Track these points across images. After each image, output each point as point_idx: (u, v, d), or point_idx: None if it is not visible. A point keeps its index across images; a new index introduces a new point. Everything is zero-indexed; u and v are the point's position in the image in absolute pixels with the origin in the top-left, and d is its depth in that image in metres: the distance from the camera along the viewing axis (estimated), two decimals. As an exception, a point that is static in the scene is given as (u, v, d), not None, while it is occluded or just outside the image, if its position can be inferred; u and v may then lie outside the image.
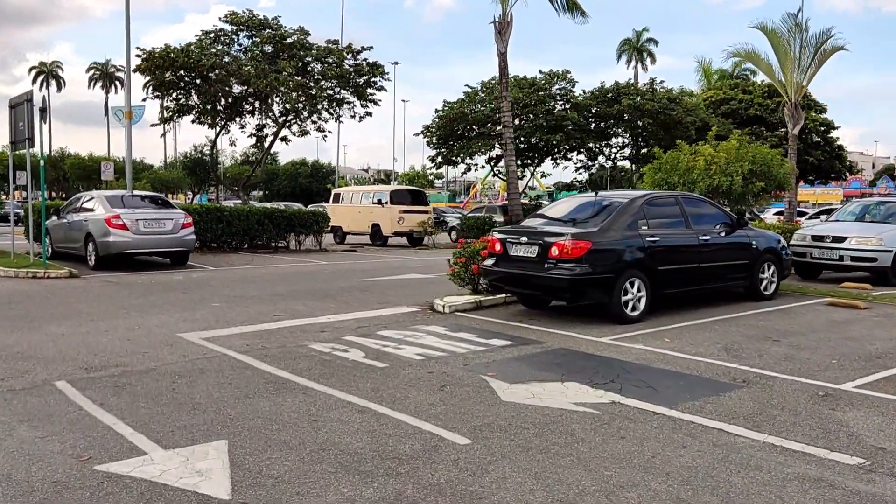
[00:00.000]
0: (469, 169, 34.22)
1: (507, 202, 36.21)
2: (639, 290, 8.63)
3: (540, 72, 29.60)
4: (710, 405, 5.45)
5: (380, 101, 27.05)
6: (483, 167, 37.93)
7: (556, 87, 29.09)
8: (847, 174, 42.00)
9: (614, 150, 34.19)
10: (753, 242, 10.04)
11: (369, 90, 26.02)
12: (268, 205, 43.92)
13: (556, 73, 29.36)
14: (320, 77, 25.09)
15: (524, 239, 8.77)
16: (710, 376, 6.30)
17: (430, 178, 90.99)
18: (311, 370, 6.59)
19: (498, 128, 27.81)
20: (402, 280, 13.99)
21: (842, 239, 12.18)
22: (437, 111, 29.15)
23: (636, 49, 77.16)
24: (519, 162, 31.27)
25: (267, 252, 21.23)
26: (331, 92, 25.81)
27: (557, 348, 7.40)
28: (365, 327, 8.74)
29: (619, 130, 32.03)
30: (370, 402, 5.58)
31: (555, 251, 8.35)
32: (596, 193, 9.43)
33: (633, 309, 8.62)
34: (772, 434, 4.79)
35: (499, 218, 28.88)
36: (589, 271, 8.21)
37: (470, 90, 29.79)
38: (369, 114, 26.79)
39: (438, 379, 6.24)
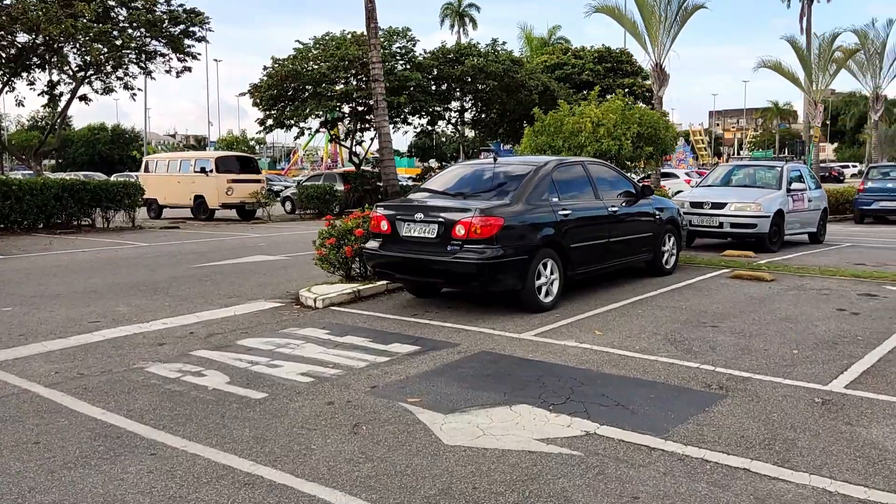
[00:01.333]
0: (302, 133, 31.74)
1: (343, 169, 34.27)
2: (552, 273, 7.47)
3: (379, 28, 27.77)
4: (706, 429, 4.33)
5: (199, 54, 23.96)
6: (319, 132, 35.64)
7: (396, 45, 27.46)
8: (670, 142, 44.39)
9: (454, 114, 33.29)
10: (657, 213, 9.26)
11: (187, 41, 22.85)
12: (65, 175, 38.65)
13: (395, 30, 27.69)
14: (126, 25, 21.57)
15: (419, 216, 7.26)
16: (679, 383, 5.22)
17: (252, 143, 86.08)
18: (157, 410, 4.71)
19: (339, 86, 25.73)
20: (248, 265, 11.94)
21: (721, 205, 11.88)
22: (265, 68, 26.42)
23: (458, 14, 77.34)
24: (358, 125, 29.40)
25: (68, 232, 17.95)
26: (140, 42, 22.33)
27: (478, 352, 6.03)
28: (219, 334, 6.84)
29: (458, 94, 31.11)
30: (258, 462, 3.90)
31: (460, 230, 6.93)
32: (494, 160, 8.10)
33: (547, 294, 7.45)
34: (812, 472, 3.74)
35: (339, 186, 27.01)
36: (501, 253, 6.89)
37: (301, 46, 27.32)
38: (188, 69, 23.66)
39: (345, 413, 4.63)
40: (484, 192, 7.64)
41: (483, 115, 32.17)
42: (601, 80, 37.95)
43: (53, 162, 69.15)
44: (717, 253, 11.78)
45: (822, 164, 47.03)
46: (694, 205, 12.37)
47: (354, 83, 26.14)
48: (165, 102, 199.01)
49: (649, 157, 11.13)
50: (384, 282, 8.56)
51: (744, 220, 11.74)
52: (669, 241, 9.55)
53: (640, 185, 9.29)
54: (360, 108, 28.15)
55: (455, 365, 5.67)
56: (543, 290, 7.39)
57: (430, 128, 33.14)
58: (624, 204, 8.66)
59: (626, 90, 39.27)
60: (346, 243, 8.82)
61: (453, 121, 32.62)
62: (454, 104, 32.17)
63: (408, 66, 26.71)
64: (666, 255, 9.50)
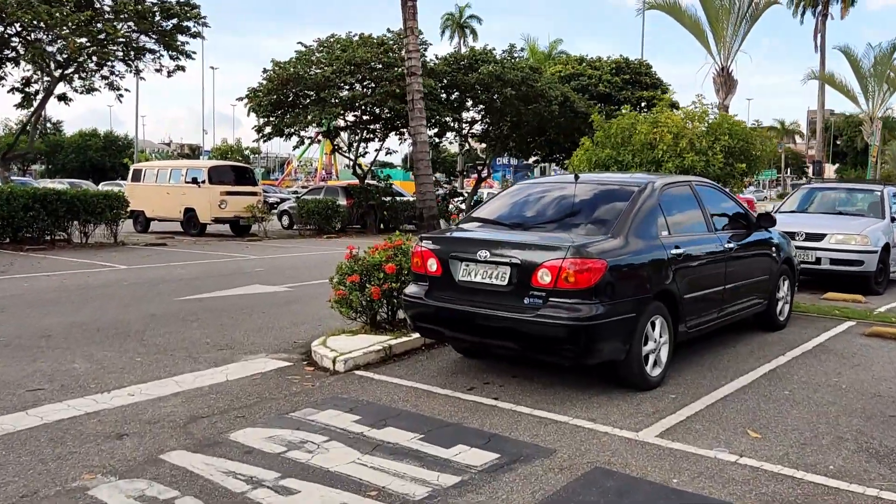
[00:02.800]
0: (302, 142, 29.83)
1: (346, 182, 32.34)
2: (661, 334, 5.54)
3: (388, 30, 25.99)
4: None
5: (194, 53, 22.04)
6: (317, 141, 33.76)
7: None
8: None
9: (465, 125, 31.39)
10: (774, 247, 7.35)
11: (180, 37, 20.97)
12: (49, 182, 36.62)
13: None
14: (112, 16, 19.67)
15: (483, 254, 5.33)
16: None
17: (247, 153, 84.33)
18: None
19: (343, 92, 23.86)
20: (243, 298, 9.99)
21: (818, 237, 9.98)
22: (265, 71, 24.56)
23: (459, 25, 76.01)
24: (357, 135, 27.47)
25: (38, 249, 15.96)
26: (127, 37, 20.42)
27: (589, 469, 4.08)
28: (204, 418, 4.90)
29: (470, 104, 29.25)
30: None
31: (544, 277, 5.01)
32: (576, 178, 6.17)
33: (655, 364, 5.53)
34: None
35: (342, 201, 25.12)
36: (602, 311, 4.96)
37: (304, 49, 25.50)
38: (181, 68, 21.76)
39: None
40: (566, 222, 5.71)
41: (494, 128, 30.22)
42: (619, 92, 36.26)
43: (42, 168, 67.06)
44: (813, 294, 9.87)
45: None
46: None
47: (360, 89, 24.29)
48: (160, 110, 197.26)
49: (742, 175, 9.24)
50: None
51: (847, 255, 9.83)
52: (784, 284, 7.63)
53: (756, 213, 7.39)
54: (365, 117, 26.29)
55: (564, 497, 3.72)
56: (651, 358, 5.46)
57: (437, 140, 31.23)
58: (738, 237, 6.75)
59: (645, 104, 37.66)
60: (373, 282, 6.88)
61: (464, 132, 30.72)
62: (466, 115, 30.28)
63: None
64: (780, 304, 7.56)
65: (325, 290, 7.86)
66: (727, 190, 7.53)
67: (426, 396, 5.39)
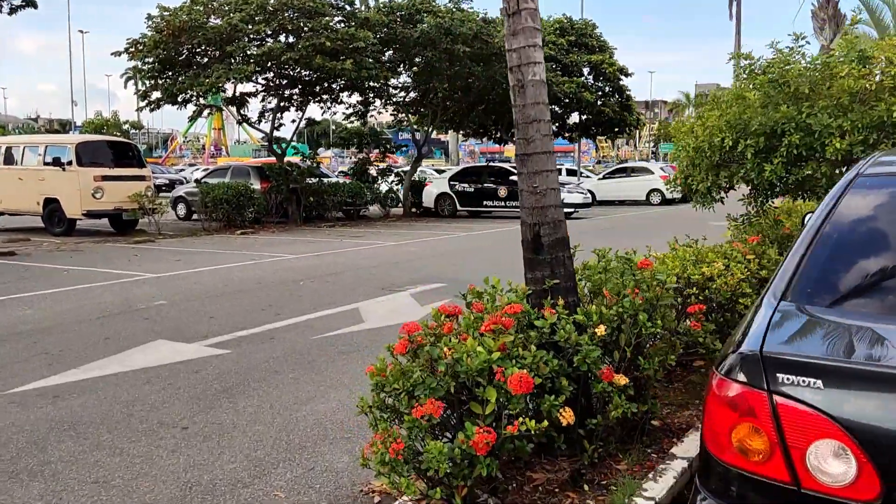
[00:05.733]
0: (201, 112, 24.73)
1: (260, 161, 27.34)
2: None
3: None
4: None
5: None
6: (219, 109, 28.74)
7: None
8: (633, 128, 39.83)
9: (394, 91, 27.01)
10: None
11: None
12: None
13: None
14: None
15: None
16: None
17: (126, 127, 76.55)
18: None
19: (252, 50, 19.09)
20: (136, 389, 5.64)
21: None
22: (150, 18, 19.43)
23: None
24: (282, 103, 22.69)
25: None
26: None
27: None
28: None
29: (403, 66, 24.95)
30: None
31: None
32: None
33: None
34: None
35: (256, 184, 20.51)
36: None
37: (200, -8, 20.57)
38: (30, 4, 16.59)
39: None
40: None
41: (435, 95, 25.96)
42: (566, 55, 32.87)
43: None
44: None
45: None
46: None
47: (282, 40, 19.72)
48: (27, 83, 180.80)
49: None
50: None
51: None
52: None
53: None
54: (283, 80, 21.66)
55: None
56: None
57: (363, 109, 26.76)
58: None
59: (592, 69, 34.46)
60: (469, 418, 2.86)
61: (396, 100, 26.42)
62: (395, 80, 25.86)
63: (352, 24, 20.43)
64: None
65: (295, 355, 3.90)
66: None
67: None
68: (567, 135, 37.46)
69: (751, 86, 5.88)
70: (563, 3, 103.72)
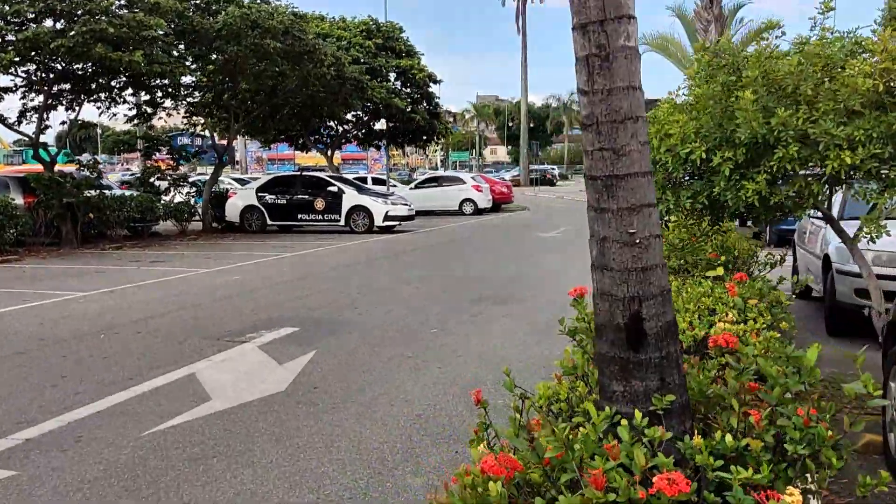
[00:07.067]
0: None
1: (20, 169, 22.74)
2: None
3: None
4: None
5: None
6: None
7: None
8: (442, 137, 39.25)
9: (185, 91, 23.97)
10: None
11: None
12: None
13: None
14: None
15: None
16: None
17: None
18: None
19: (10, 35, 15.51)
20: None
21: None
22: None
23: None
24: (50, 100, 18.95)
25: None
26: None
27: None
28: None
29: (195, 64, 22.10)
30: None
31: None
32: None
33: None
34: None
35: (17, 199, 16.84)
36: None
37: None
38: None
39: None
40: None
41: (232, 95, 23.33)
42: (373, 59, 31.51)
43: None
44: None
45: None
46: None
47: (50, 25, 16.35)
48: None
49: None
50: None
51: None
52: None
53: None
54: (50, 74, 18.10)
55: None
56: None
57: (150, 110, 23.48)
58: None
59: (401, 74, 33.38)
60: None
61: (196, 101, 23.49)
62: (185, 79, 22.90)
63: (138, 11, 17.43)
64: None
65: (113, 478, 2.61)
66: None
67: None
68: (374, 143, 36.22)
69: (739, 84, 4.70)
70: (367, 4, 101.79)
